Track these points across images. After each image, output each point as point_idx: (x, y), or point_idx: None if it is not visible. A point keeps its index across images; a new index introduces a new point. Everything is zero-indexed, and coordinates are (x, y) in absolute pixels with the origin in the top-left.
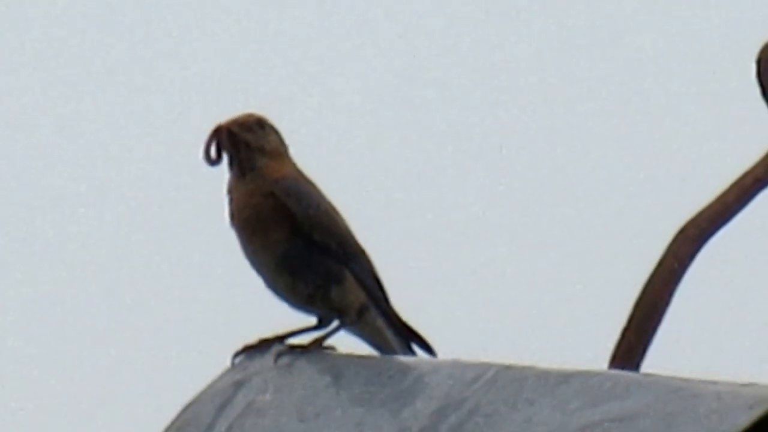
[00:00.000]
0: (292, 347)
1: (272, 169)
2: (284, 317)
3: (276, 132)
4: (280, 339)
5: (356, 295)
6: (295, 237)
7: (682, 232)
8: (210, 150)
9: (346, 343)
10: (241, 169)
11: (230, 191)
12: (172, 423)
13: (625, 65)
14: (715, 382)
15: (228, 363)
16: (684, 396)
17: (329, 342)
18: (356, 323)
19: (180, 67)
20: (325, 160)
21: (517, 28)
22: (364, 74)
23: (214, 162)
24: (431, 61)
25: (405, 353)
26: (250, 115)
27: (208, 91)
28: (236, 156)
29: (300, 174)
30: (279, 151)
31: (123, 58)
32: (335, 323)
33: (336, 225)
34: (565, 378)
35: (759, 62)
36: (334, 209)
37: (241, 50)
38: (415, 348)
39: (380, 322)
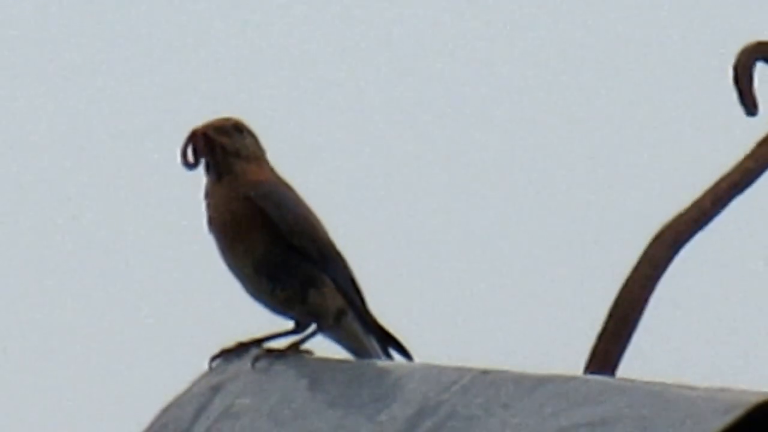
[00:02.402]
0: (270, 351)
1: (250, 173)
2: (262, 321)
3: (253, 136)
4: (258, 343)
5: (334, 300)
6: (274, 242)
7: (658, 237)
8: (187, 154)
9: (323, 347)
10: (218, 173)
11: (207, 195)
12: (150, 427)
13: (602, 70)
14: (690, 387)
15: (205, 367)
16: (659, 401)
17: (306, 346)
18: (334, 328)
19: (163, 69)
20: (303, 163)
21: (498, 24)
22: (337, 73)
23: (191, 166)
24: (402, 55)
25: (382, 357)
26: (227, 119)
27: (189, 94)
28: (213, 160)
29: (278, 178)
30: (256, 156)
31: (104, 58)
32: (313, 327)
33: (315, 230)
34: (541, 382)
35: (736, 68)
36: (312, 214)
37: (223, 53)
38: (393, 352)
39: (357, 327)
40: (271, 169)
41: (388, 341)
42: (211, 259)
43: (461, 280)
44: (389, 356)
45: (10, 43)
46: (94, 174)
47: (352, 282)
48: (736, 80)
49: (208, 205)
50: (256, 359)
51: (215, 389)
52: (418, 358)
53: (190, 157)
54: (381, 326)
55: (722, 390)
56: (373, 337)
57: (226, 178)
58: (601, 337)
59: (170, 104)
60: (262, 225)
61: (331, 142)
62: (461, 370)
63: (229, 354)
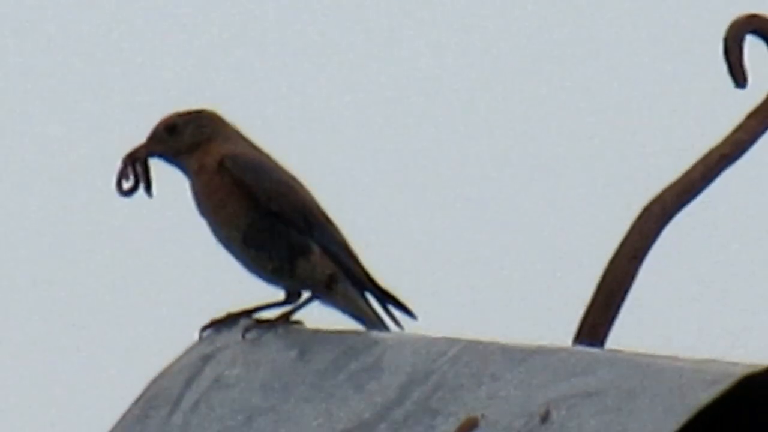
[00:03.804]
0: (260, 322)
1: (216, 151)
2: (252, 292)
3: (192, 122)
4: (248, 313)
5: (324, 267)
6: (257, 211)
7: (647, 210)
8: (122, 183)
9: (314, 317)
10: (182, 169)
11: (192, 185)
12: (140, 397)
13: (593, 42)
14: (678, 359)
15: (196, 337)
16: (647, 372)
17: (297, 316)
18: (326, 295)
19: (155, 62)
20: (292, 132)
21: None
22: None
23: (130, 191)
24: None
25: (379, 323)
26: (158, 125)
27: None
28: (167, 160)
29: (254, 148)
30: (209, 137)
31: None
32: (304, 296)
33: (297, 196)
34: (529, 354)
35: (726, 40)
36: (294, 180)
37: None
38: (395, 312)
39: (352, 292)
40: (243, 140)
41: (388, 300)
42: (200, 229)
43: (451, 251)
44: (390, 315)
45: None
46: (87, 143)
47: (344, 247)
48: (726, 53)
49: (194, 192)
50: (247, 330)
51: (205, 360)
52: (406, 329)
53: (128, 184)
54: (380, 286)
55: (710, 361)
56: (370, 300)
57: (197, 168)
58: (590, 309)
59: (155, 87)
60: (243, 196)
61: (324, 107)
62: (450, 341)
63: (219, 325)
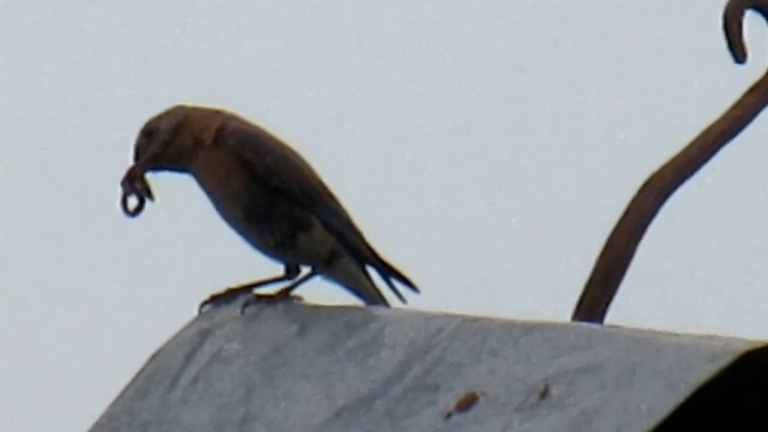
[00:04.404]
0: (260, 297)
1: (203, 127)
2: (252, 267)
3: (166, 116)
4: (248, 288)
5: (325, 243)
6: (258, 186)
7: (647, 185)
8: (127, 203)
9: (315, 292)
10: (181, 169)
11: (195, 167)
12: (140, 372)
13: (593, 18)
14: (677, 335)
15: (195, 312)
16: (647, 348)
17: (297, 292)
18: (327, 270)
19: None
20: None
21: None
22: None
23: (136, 211)
24: None
25: (380, 299)
26: (137, 138)
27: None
28: (163, 166)
29: (248, 124)
30: (182, 120)
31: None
32: (304, 272)
33: (297, 170)
34: (528, 329)
35: (726, 16)
36: (295, 155)
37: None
38: (398, 285)
39: (353, 268)
40: (232, 117)
41: (391, 274)
42: (201, 204)
43: (450, 227)
44: (393, 288)
45: None
46: (88, 122)
47: (346, 221)
48: (726, 28)
49: (196, 173)
50: (246, 305)
51: (204, 335)
52: (408, 303)
53: (132, 205)
54: (382, 260)
55: (710, 338)
56: (371, 276)
57: (192, 144)
58: (589, 284)
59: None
60: (243, 171)
61: (324, 83)
62: (449, 317)
63: (218, 300)
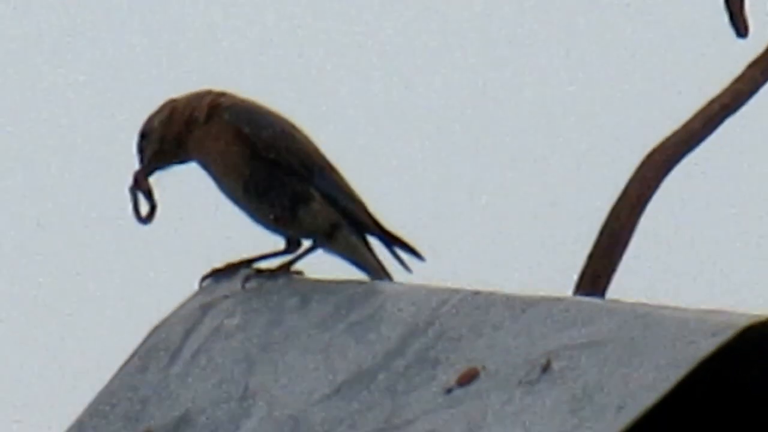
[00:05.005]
0: (260, 271)
1: (194, 106)
2: (253, 241)
3: (156, 112)
4: (248, 263)
5: (325, 216)
6: (256, 160)
7: (649, 159)
8: (138, 208)
9: (316, 267)
10: (184, 160)
11: (193, 145)
12: (140, 346)
13: None
14: (679, 309)
15: (196, 287)
16: (648, 322)
17: (298, 266)
18: (328, 243)
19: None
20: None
21: None
22: None
23: (149, 217)
24: None
25: (382, 271)
26: (136, 144)
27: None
28: (167, 162)
29: (239, 98)
30: (172, 108)
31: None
32: (305, 246)
33: (294, 142)
34: (530, 304)
35: None
36: (292, 126)
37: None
38: (402, 255)
39: (354, 240)
40: (223, 93)
41: (394, 243)
42: (201, 179)
43: (452, 201)
44: (398, 257)
45: None
46: (94, 96)
47: (347, 193)
48: (728, 3)
49: (194, 152)
50: (247, 279)
51: (205, 309)
52: (413, 272)
53: (144, 211)
54: (385, 229)
55: (712, 312)
56: (374, 248)
57: (186, 122)
58: (591, 258)
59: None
60: (240, 145)
61: (325, 51)
62: (451, 292)
63: (219, 274)
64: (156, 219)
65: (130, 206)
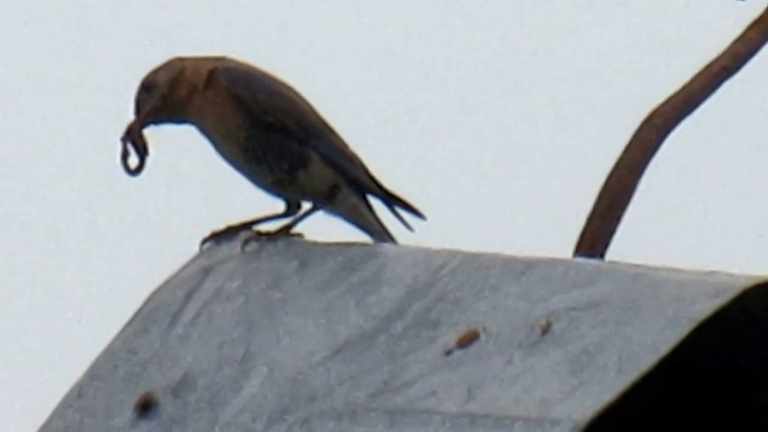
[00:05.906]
0: (260, 234)
1: (197, 71)
2: (253, 204)
3: (164, 66)
4: (248, 226)
5: (324, 177)
6: (254, 123)
7: (648, 121)
8: (127, 160)
9: (317, 229)
10: (181, 120)
11: (194, 110)
12: (140, 309)
13: None
14: (679, 271)
15: (196, 250)
16: (648, 284)
17: (298, 228)
18: (329, 205)
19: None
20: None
21: None
22: None
23: (138, 169)
24: None
25: (383, 232)
26: (137, 91)
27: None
28: (163, 119)
29: (239, 63)
30: (179, 71)
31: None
32: (305, 208)
33: (291, 104)
34: (530, 266)
35: None
36: (289, 89)
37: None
38: (403, 214)
39: (355, 201)
40: (224, 59)
41: (395, 203)
42: (200, 143)
43: (452, 162)
44: (399, 217)
45: None
46: (97, 79)
47: (346, 154)
48: None
49: (194, 118)
50: (246, 242)
51: (206, 272)
52: (415, 231)
53: (133, 162)
54: (386, 190)
55: (711, 273)
56: (375, 210)
57: (188, 93)
58: (590, 220)
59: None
60: (238, 109)
61: (329, 21)
62: (451, 253)
63: (219, 237)
64: (144, 172)
65: (118, 156)
